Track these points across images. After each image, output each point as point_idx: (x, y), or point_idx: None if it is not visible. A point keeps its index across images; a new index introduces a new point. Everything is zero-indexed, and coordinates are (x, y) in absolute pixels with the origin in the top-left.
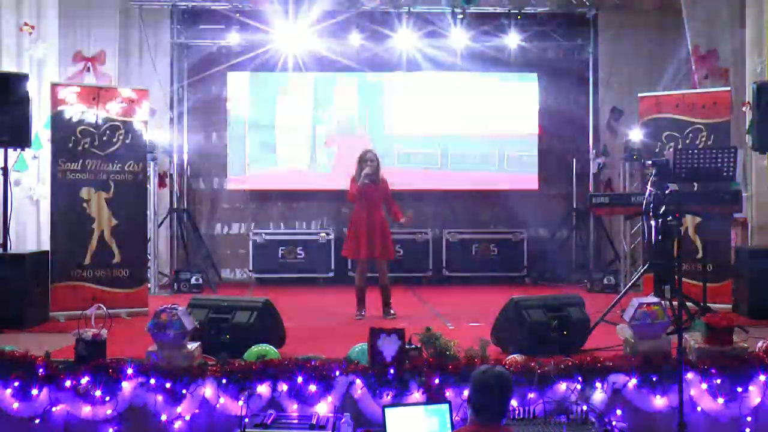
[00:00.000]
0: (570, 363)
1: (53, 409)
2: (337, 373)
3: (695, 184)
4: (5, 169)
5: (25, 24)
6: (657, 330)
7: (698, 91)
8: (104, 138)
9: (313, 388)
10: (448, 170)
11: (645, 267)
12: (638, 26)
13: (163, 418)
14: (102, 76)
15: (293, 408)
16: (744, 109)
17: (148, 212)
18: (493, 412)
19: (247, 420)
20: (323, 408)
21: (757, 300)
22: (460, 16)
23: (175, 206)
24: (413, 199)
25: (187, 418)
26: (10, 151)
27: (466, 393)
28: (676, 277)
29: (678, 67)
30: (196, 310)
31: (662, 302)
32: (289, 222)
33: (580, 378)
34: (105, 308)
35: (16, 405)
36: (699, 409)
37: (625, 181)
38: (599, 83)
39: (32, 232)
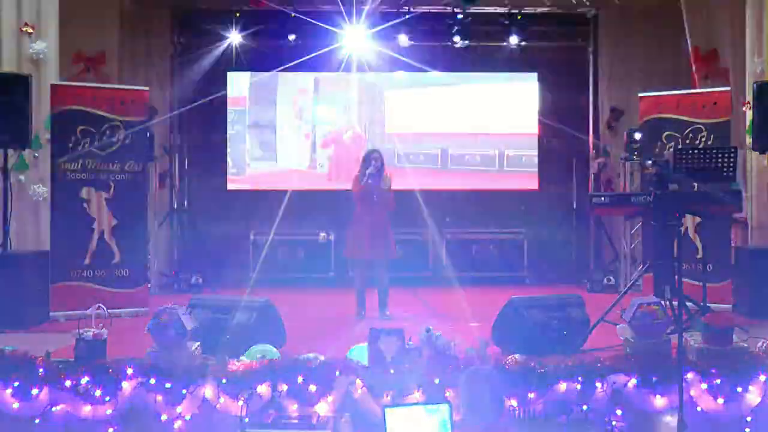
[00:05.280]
0: (570, 363)
1: (53, 409)
2: (337, 373)
3: (695, 184)
4: (5, 169)
5: (25, 24)
6: (657, 330)
7: (698, 91)
8: (104, 138)
9: (313, 388)
10: (448, 170)
11: (645, 267)
12: (638, 26)
13: (163, 418)
14: (102, 76)
15: (293, 408)
16: (744, 109)
17: (148, 212)
18: (488, 408)
19: (247, 420)
20: (323, 408)
21: (757, 300)
22: (460, 16)
23: (175, 206)
24: (413, 199)
25: (188, 418)
26: (10, 151)
27: None
28: (676, 277)
29: (678, 68)
30: (196, 310)
31: (662, 302)
32: (289, 222)
33: (580, 378)
34: (105, 308)
35: (16, 405)
36: (699, 409)
37: (625, 181)
38: (599, 83)
39: (32, 232)
